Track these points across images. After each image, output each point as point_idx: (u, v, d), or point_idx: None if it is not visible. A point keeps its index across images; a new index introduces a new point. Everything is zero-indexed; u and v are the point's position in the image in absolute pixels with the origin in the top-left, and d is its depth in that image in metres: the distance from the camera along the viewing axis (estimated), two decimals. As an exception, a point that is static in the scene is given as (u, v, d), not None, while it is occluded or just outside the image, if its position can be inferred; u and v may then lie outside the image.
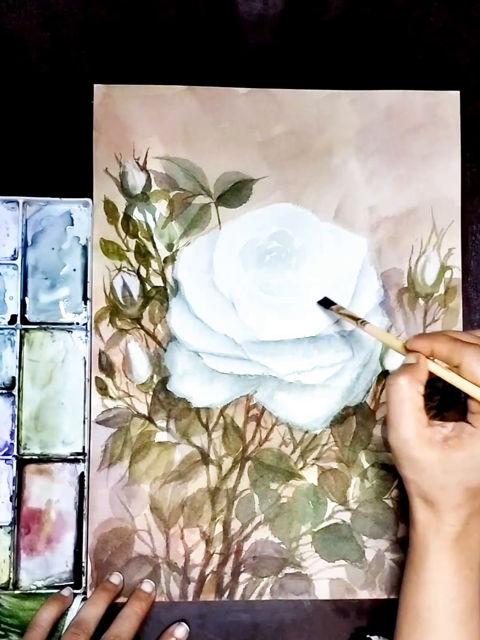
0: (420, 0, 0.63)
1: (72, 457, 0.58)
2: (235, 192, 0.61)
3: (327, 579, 0.58)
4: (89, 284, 0.59)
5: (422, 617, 0.49)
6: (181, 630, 0.57)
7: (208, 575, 0.58)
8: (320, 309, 0.59)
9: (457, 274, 0.61)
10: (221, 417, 0.59)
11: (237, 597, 0.58)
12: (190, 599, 0.58)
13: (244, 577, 0.58)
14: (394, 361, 0.60)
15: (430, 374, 0.47)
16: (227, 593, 0.58)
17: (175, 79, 0.61)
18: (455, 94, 0.62)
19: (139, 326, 0.60)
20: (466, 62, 0.63)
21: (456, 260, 0.61)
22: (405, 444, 0.47)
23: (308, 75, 0.62)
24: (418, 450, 0.46)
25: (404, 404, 0.46)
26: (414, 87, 0.62)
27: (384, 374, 0.60)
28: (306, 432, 0.60)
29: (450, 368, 0.47)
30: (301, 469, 0.59)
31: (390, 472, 0.59)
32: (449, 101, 0.62)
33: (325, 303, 0.59)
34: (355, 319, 0.55)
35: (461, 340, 0.47)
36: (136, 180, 0.61)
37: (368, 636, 0.57)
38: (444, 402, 0.57)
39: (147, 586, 0.57)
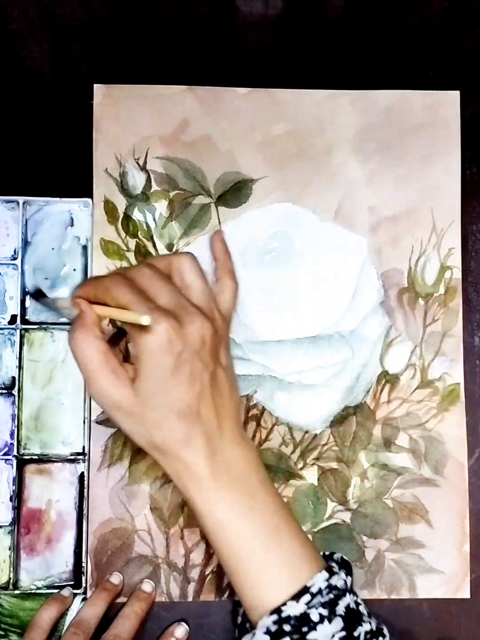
0: (420, 0, 0.63)
1: (72, 457, 0.58)
2: (235, 192, 0.61)
3: (327, 579, 0.58)
4: (89, 284, 0.59)
5: (230, 565, 0.48)
6: (181, 630, 0.57)
7: (208, 575, 0.58)
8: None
9: (457, 274, 0.61)
10: (221, 417, 0.59)
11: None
12: (190, 599, 0.58)
13: (244, 577, 0.58)
14: (394, 361, 0.60)
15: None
16: (227, 593, 0.58)
17: (176, 79, 0.61)
18: (455, 94, 0.62)
19: (139, 326, 0.60)
20: (466, 62, 0.63)
21: (456, 260, 0.61)
22: (105, 394, 0.46)
23: (308, 75, 0.62)
24: (117, 395, 0.46)
25: (86, 354, 0.46)
26: (414, 87, 0.62)
27: (384, 374, 0.60)
28: (306, 432, 0.59)
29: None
30: (301, 469, 0.59)
31: (390, 472, 0.59)
32: (449, 101, 0.62)
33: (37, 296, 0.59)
34: (63, 308, 0.54)
35: (100, 277, 0.48)
36: (136, 180, 0.61)
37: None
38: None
39: (147, 586, 0.57)
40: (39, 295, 0.59)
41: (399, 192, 0.62)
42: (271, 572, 0.47)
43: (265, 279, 0.60)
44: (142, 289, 0.46)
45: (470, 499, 0.59)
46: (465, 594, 0.58)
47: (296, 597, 0.46)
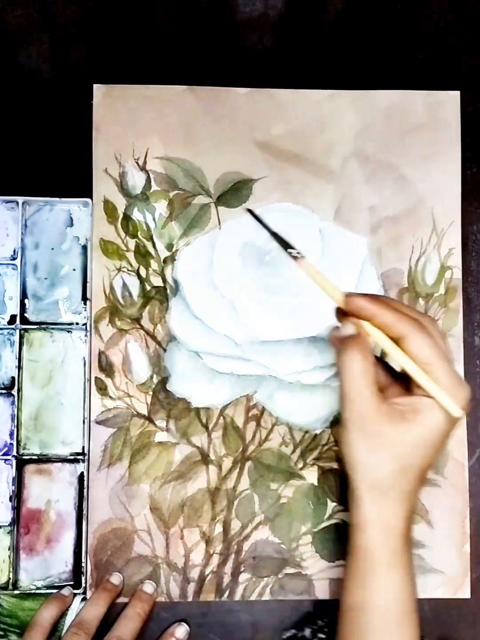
0: (420, 0, 0.63)
1: (72, 457, 0.58)
2: (235, 192, 0.61)
3: (327, 579, 0.58)
4: (88, 284, 0.59)
5: (370, 623, 0.47)
6: (181, 630, 0.57)
7: (208, 575, 0.58)
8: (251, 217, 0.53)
9: (458, 274, 0.61)
10: (221, 417, 0.59)
11: (237, 597, 0.58)
12: (190, 599, 0.58)
13: (243, 577, 0.58)
14: (393, 360, 0.60)
15: None
16: (227, 593, 0.58)
17: (176, 79, 0.61)
18: (455, 94, 0.62)
19: (138, 326, 0.60)
20: (466, 61, 0.63)
21: (456, 260, 0.61)
22: (365, 420, 0.45)
23: (308, 76, 0.62)
24: (378, 424, 0.45)
25: (363, 377, 0.45)
26: (414, 87, 0.62)
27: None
28: (306, 432, 0.59)
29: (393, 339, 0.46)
30: (301, 469, 0.59)
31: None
32: (449, 101, 0.62)
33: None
34: (286, 245, 0.49)
35: (404, 313, 0.46)
36: (136, 180, 0.61)
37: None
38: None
39: (149, 587, 0.57)
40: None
41: (399, 192, 0.62)
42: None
43: (265, 279, 0.60)
44: (440, 351, 0.45)
45: (470, 499, 0.59)
46: (466, 594, 0.58)
47: None
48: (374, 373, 0.46)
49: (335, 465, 0.59)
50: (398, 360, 0.46)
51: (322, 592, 0.58)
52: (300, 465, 0.59)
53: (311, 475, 0.59)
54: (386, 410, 0.45)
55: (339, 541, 0.59)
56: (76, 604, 0.56)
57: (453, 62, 0.63)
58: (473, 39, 0.63)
